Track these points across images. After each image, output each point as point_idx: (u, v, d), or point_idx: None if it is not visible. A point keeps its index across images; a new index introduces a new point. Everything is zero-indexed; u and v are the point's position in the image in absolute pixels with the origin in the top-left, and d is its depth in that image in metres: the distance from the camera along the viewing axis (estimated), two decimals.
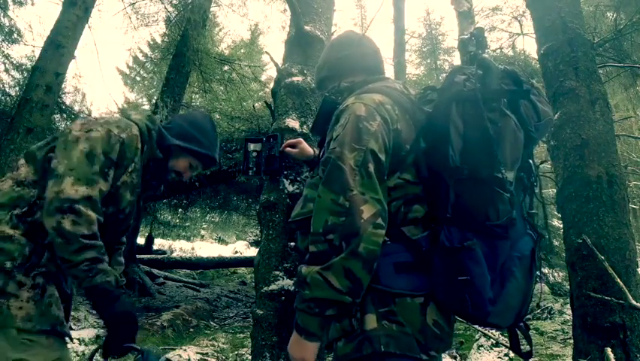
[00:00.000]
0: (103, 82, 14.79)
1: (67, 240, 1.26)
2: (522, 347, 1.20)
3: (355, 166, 1.03)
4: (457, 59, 17.14)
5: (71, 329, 4.11)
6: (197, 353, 3.85)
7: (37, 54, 5.67)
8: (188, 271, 8.78)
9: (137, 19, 9.52)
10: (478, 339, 4.37)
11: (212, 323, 5.62)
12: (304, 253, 1.14)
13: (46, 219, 1.29)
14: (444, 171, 1.06)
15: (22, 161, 1.47)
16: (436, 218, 1.09)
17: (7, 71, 6.93)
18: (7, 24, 7.39)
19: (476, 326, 3.80)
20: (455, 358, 4.39)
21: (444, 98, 1.11)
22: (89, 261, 1.29)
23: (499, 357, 4.07)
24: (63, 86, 5.92)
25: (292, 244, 2.46)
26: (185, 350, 3.84)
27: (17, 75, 6.87)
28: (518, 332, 1.18)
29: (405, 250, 1.08)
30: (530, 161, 1.16)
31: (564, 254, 3.20)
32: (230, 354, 4.08)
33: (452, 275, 1.01)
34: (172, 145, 1.64)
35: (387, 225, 1.04)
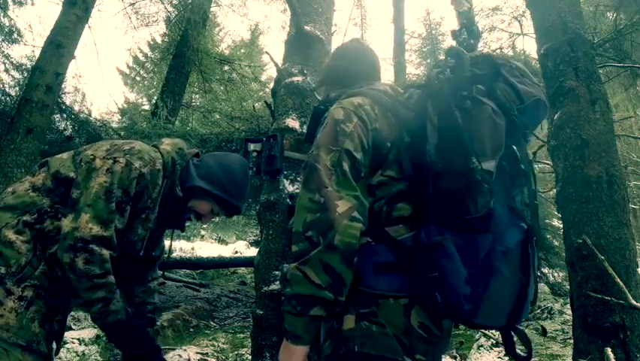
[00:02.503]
0: (103, 82, 14.76)
1: (79, 278, 1.29)
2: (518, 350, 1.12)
3: (331, 166, 1.05)
4: None
5: (71, 329, 4.11)
6: (197, 353, 3.85)
7: (37, 54, 5.66)
8: (188, 271, 8.79)
9: (137, 19, 9.53)
10: (478, 339, 4.37)
11: (212, 323, 5.62)
12: None
13: (60, 253, 1.31)
14: (423, 167, 1.05)
15: (43, 167, 1.48)
16: (420, 216, 1.07)
17: (7, 71, 6.92)
18: (7, 24, 7.38)
19: None
20: (455, 358, 4.39)
21: (422, 94, 1.12)
22: (100, 302, 1.33)
23: (499, 357, 4.06)
24: (63, 86, 5.90)
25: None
26: (185, 350, 3.84)
27: (17, 75, 6.86)
28: (513, 334, 1.11)
29: (387, 250, 1.06)
30: (514, 147, 1.11)
31: (564, 254, 3.20)
32: (230, 354, 4.08)
33: (424, 273, 0.99)
34: (195, 186, 1.57)
35: (371, 226, 1.05)
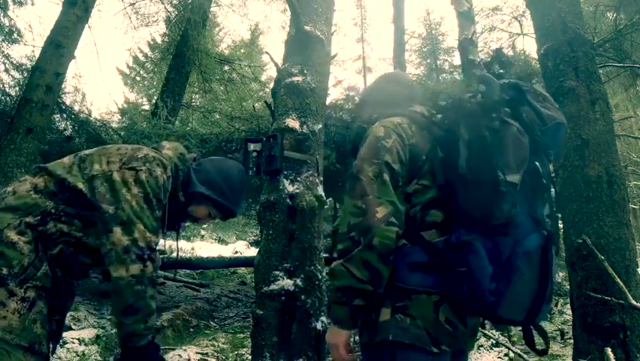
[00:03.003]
0: (103, 82, 14.77)
1: (146, 287, 1.34)
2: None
3: (373, 177, 1.21)
4: (457, 59, 17.15)
5: (71, 329, 4.11)
6: (197, 353, 3.85)
7: (37, 54, 5.66)
8: (188, 271, 8.78)
9: (137, 19, 9.53)
10: (478, 339, 4.37)
11: (212, 323, 5.62)
12: None
13: (121, 267, 1.32)
14: (455, 178, 1.20)
15: (42, 171, 1.47)
16: (450, 222, 1.21)
17: (7, 71, 6.92)
18: (7, 24, 7.38)
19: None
20: None
21: (454, 115, 1.28)
22: (153, 313, 1.38)
23: (499, 357, 4.06)
24: (63, 86, 5.91)
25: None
26: (185, 350, 3.84)
27: (17, 75, 6.86)
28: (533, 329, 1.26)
29: (421, 251, 1.21)
30: (537, 163, 1.23)
31: (564, 254, 3.20)
32: (230, 354, 4.08)
33: (454, 268, 1.13)
34: (195, 192, 1.61)
35: (407, 229, 1.21)
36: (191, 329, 5.11)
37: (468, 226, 1.15)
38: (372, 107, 1.56)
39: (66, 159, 1.51)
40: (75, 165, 1.47)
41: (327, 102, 4.06)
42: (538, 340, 1.29)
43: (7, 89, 6.56)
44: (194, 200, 1.64)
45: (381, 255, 1.14)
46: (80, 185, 1.41)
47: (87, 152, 1.53)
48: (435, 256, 1.18)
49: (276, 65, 3.12)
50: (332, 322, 1.24)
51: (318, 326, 2.41)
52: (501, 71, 1.38)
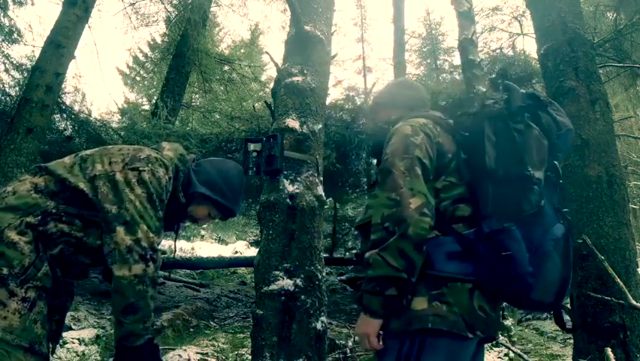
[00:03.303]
0: (103, 82, 14.81)
1: (147, 286, 1.35)
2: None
3: (405, 170, 1.27)
4: (457, 59, 17.13)
5: (71, 329, 4.11)
6: (197, 353, 3.85)
7: (37, 54, 5.66)
8: (188, 271, 8.77)
9: (137, 19, 9.53)
10: None
11: (212, 323, 5.62)
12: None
13: (125, 267, 1.33)
14: (483, 175, 1.29)
15: (42, 171, 1.47)
16: (478, 215, 1.30)
17: (7, 71, 6.92)
18: (7, 24, 7.39)
19: None
20: None
21: (477, 119, 1.37)
22: (152, 314, 1.39)
23: (499, 357, 4.06)
24: (63, 86, 5.90)
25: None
26: (185, 350, 3.83)
27: (17, 75, 6.85)
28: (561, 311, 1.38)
29: (454, 241, 1.28)
30: (556, 163, 1.41)
31: None
32: (230, 354, 4.08)
33: (496, 254, 1.21)
34: (196, 192, 1.63)
35: (438, 222, 1.27)
36: (191, 329, 5.11)
37: (498, 218, 1.23)
38: (389, 109, 1.66)
39: (67, 159, 1.51)
40: (76, 165, 1.47)
41: (327, 102, 4.06)
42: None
43: (7, 89, 6.56)
44: (195, 200, 1.65)
45: (416, 244, 1.20)
46: (82, 185, 1.41)
47: (88, 152, 1.53)
48: (467, 246, 1.26)
49: (276, 65, 3.12)
50: (363, 312, 1.26)
51: (318, 326, 2.41)
52: (506, 82, 1.47)
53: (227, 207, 1.69)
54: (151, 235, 1.38)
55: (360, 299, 1.28)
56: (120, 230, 1.35)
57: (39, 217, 1.36)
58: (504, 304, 1.66)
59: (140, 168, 1.43)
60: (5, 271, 1.27)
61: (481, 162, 1.29)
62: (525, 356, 3.41)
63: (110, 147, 1.57)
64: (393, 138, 1.38)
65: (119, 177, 1.41)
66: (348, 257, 7.81)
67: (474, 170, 1.34)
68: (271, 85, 3.28)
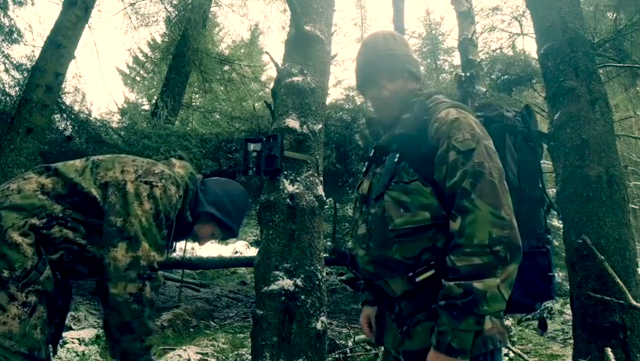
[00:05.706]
0: (103, 82, 14.81)
1: (144, 307, 1.33)
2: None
3: (499, 181, 1.10)
4: (457, 59, 17.14)
5: (71, 329, 4.11)
6: (197, 353, 3.85)
7: (37, 54, 5.66)
8: (188, 270, 8.78)
9: (137, 19, 9.54)
10: None
11: (212, 323, 5.62)
12: (403, 263, 1.18)
13: (120, 285, 1.31)
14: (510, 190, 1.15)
15: (50, 171, 1.43)
16: None
17: (7, 71, 6.91)
18: (7, 24, 7.38)
19: None
20: None
21: (497, 128, 1.28)
22: (152, 333, 1.38)
23: None
24: (63, 86, 5.90)
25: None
26: (185, 350, 3.84)
27: (17, 75, 6.84)
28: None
29: None
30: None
31: (564, 254, 3.20)
32: (230, 354, 4.08)
33: (542, 272, 1.23)
34: (203, 212, 1.62)
35: None
36: (191, 329, 5.11)
37: (524, 236, 1.11)
38: (408, 76, 1.44)
39: (78, 162, 1.47)
40: (88, 169, 1.44)
41: (327, 102, 4.05)
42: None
43: (7, 89, 6.56)
44: (200, 219, 1.64)
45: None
46: (94, 192, 1.38)
47: (101, 157, 1.51)
48: None
49: (276, 65, 3.11)
50: (451, 355, 1.03)
51: (318, 326, 2.41)
52: (530, 127, 1.47)
53: (231, 228, 1.68)
54: (152, 253, 1.35)
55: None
56: (121, 246, 1.32)
57: (44, 220, 1.32)
58: None
59: (153, 183, 1.41)
60: (6, 273, 1.24)
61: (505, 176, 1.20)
62: (525, 356, 3.41)
63: (124, 155, 1.55)
64: (461, 129, 1.16)
65: (129, 187, 1.38)
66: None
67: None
68: (271, 85, 3.28)
